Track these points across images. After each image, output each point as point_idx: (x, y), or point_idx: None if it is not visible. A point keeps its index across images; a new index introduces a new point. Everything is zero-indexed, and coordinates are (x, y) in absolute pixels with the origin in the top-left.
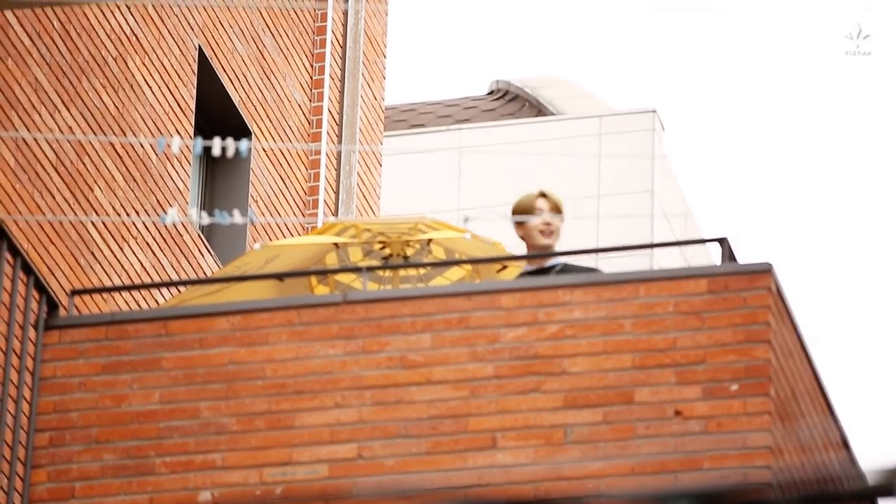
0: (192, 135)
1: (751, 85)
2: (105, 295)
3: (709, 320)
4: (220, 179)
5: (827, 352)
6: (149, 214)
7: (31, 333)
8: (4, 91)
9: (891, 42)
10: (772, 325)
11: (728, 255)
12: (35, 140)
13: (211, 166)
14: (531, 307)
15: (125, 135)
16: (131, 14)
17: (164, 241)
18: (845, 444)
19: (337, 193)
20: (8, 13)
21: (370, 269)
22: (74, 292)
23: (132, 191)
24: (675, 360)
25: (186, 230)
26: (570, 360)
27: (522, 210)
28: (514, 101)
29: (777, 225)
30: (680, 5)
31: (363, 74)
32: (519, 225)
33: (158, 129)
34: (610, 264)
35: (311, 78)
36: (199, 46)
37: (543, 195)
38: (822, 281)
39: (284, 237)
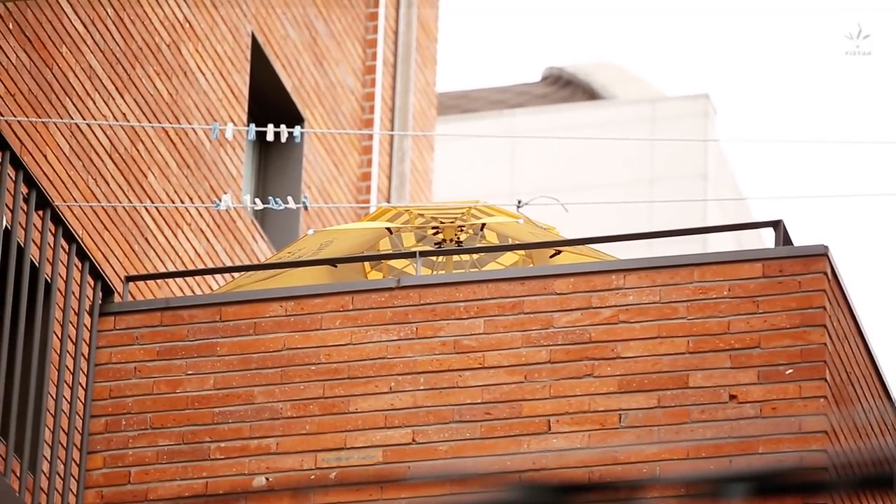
0: (245, 121)
1: (802, 67)
2: (159, 281)
3: (764, 304)
4: (273, 165)
5: (883, 335)
6: (202, 201)
7: (87, 319)
8: (59, 78)
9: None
10: (827, 309)
11: (783, 238)
12: (89, 127)
13: (264, 152)
14: (585, 292)
15: (179, 121)
16: (185, 1)
17: (218, 227)
18: None
19: (390, 179)
20: (63, 1)
21: (423, 254)
22: (129, 278)
23: (186, 177)
24: (730, 344)
25: (240, 216)
26: (624, 344)
27: None
28: (567, 87)
29: (832, 208)
30: None
31: (415, 60)
32: None
33: (212, 115)
34: (663, 249)
35: (364, 64)
36: (252, 33)
37: None
38: (878, 264)
39: (338, 223)
